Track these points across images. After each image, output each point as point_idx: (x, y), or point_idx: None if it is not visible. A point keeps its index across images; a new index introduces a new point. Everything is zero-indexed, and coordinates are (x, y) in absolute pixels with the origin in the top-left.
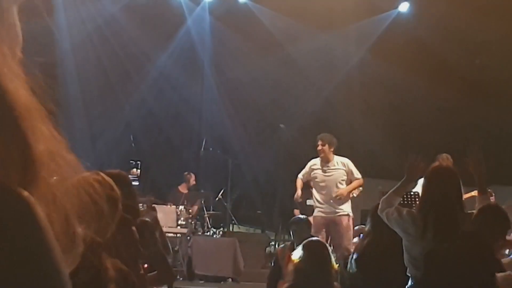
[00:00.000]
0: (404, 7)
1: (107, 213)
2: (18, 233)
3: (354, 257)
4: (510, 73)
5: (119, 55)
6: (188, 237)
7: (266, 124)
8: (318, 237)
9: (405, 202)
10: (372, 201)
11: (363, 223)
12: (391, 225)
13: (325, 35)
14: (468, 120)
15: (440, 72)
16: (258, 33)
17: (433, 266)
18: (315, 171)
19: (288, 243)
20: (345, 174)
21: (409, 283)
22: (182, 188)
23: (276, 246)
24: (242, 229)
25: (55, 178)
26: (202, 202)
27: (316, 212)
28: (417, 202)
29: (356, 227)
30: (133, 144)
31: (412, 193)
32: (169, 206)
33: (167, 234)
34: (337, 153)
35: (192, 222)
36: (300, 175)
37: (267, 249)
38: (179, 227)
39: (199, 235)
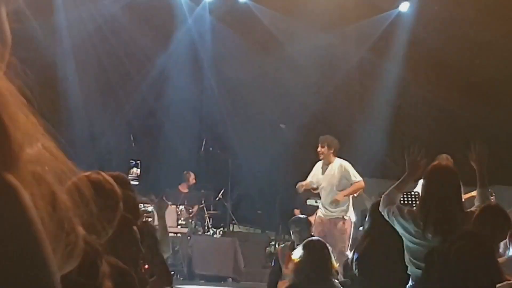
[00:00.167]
0: (404, 7)
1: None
2: (2, 220)
3: (355, 257)
4: (510, 73)
5: (119, 55)
6: (189, 237)
7: (267, 124)
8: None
9: (406, 201)
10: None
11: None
12: (392, 223)
13: (325, 34)
14: (468, 120)
15: (440, 72)
16: (258, 32)
17: (433, 266)
18: (316, 173)
19: (288, 243)
20: (343, 177)
21: (410, 282)
22: (182, 188)
23: (276, 246)
24: (242, 229)
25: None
26: (203, 202)
27: (318, 213)
28: (417, 202)
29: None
30: (133, 144)
31: (412, 193)
32: (169, 206)
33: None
34: (337, 153)
35: (193, 222)
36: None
37: (267, 249)
38: (179, 226)
39: (200, 235)
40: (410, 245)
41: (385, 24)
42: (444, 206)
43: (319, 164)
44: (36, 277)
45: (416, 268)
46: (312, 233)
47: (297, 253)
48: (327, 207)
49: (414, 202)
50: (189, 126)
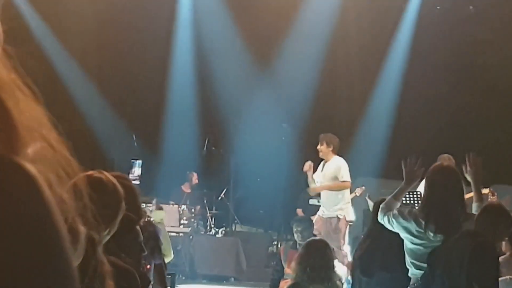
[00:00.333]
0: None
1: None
2: (22, 211)
3: (357, 257)
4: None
5: (121, 53)
6: (191, 237)
7: (269, 124)
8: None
9: (408, 201)
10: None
11: (365, 222)
12: (393, 228)
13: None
14: (470, 119)
15: (441, 71)
16: (260, 31)
17: (436, 265)
18: (317, 171)
19: (291, 242)
20: (335, 176)
21: (411, 282)
22: (185, 188)
23: (279, 245)
24: (245, 228)
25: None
26: (205, 201)
27: (319, 212)
28: (419, 201)
29: None
30: (135, 144)
31: (414, 192)
32: (171, 206)
33: (169, 233)
34: (340, 152)
35: (195, 222)
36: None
37: (270, 248)
38: (181, 226)
39: (202, 234)
40: (412, 246)
41: (387, 22)
42: (446, 205)
43: (322, 163)
44: (57, 270)
45: (417, 269)
46: (314, 233)
47: (299, 253)
48: (323, 205)
49: (416, 201)
50: (191, 126)
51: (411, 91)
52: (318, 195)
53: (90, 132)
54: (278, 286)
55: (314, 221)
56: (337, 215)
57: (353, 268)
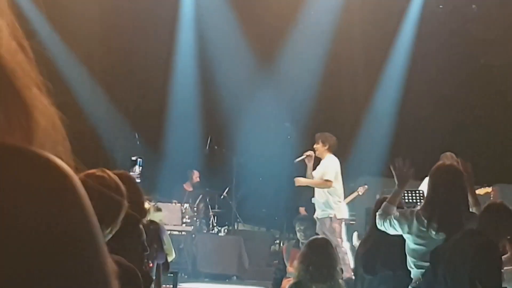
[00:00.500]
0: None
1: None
2: (57, 213)
3: (360, 255)
4: None
5: (124, 52)
6: (193, 235)
7: (272, 123)
8: None
9: (410, 200)
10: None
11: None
12: (395, 231)
13: (330, 32)
14: (472, 118)
15: (443, 70)
16: (263, 30)
17: (438, 264)
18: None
19: (293, 241)
20: (323, 174)
21: (413, 281)
22: (187, 186)
23: (281, 244)
24: (247, 227)
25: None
26: (207, 200)
27: None
28: (422, 201)
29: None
30: (138, 143)
31: (417, 191)
32: (174, 204)
33: (172, 232)
34: (343, 151)
35: (197, 220)
36: None
37: (272, 247)
38: (184, 225)
39: (204, 233)
40: (414, 246)
41: (390, 21)
42: (448, 204)
43: None
44: (95, 277)
45: (419, 269)
46: (317, 231)
47: (302, 251)
48: (316, 206)
49: (418, 200)
50: (194, 124)
51: (414, 90)
52: None
53: (93, 131)
54: (281, 284)
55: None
56: (328, 215)
57: (356, 266)
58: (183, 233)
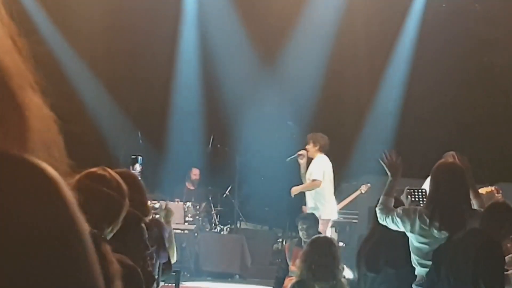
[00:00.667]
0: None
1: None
2: (41, 217)
3: (363, 254)
4: None
5: (127, 51)
6: (196, 234)
7: (274, 121)
8: None
9: (413, 199)
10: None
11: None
12: (398, 228)
13: (333, 31)
14: (475, 117)
15: (446, 70)
16: (266, 28)
17: (441, 263)
18: None
19: (296, 239)
20: (311, 174)
21: (417, 279)
22: (189, 185)
23: (284, 242)
24: (250, 225)
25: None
26: (210, 198)
27: None
28: (425, 199)
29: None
30: (140, 141)
31: (420, 190)
32: (176, 203)
33: (174, 230)
34: (345, 150)
35: (200, 219)
36: None
37: (275, 245)
38: (186, 223)
39: (207, 231)
40: (417, 244)
41: (394, 20)
42: (451, 202)
43: None
44: (80, 279)
45: (423, 267)
46: (319, 230)
47: (304, 250)
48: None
49: (421, 199)
50: (197, 123)
51: (417, 89)
52: None
53: (96, 129)
54: (283, 283)
55: None
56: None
57: (359, 264)
58: (186, 231)
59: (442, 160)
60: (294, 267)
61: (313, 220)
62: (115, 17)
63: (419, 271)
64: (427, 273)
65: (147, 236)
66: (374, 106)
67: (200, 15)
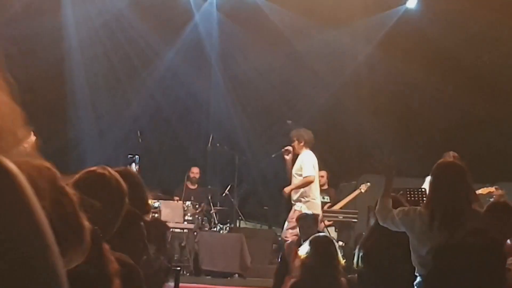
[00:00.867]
0: (412, 3)
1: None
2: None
3: (361, 254)
4: None
5: (126, 51)
6: (195, 233)
7: (274, 120)
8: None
9: (413, 198)
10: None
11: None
12: (398, 228)
13: (333, 31)
14: (476, 116)
15: (447, 69)
16: (266, 29)
17: (441, 263)
18: None
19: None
20: (299, 170)
21: (417, 280)
22: (189, 184)
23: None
24: (249, 225)
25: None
26: (209, 197)
27: None
28: (425, 199)
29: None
30: (140, 140)
31: (420, 189)
32: (176, 202)
33: (174, 229)
34: (345, 149)
35: (199, 218)
36: None
37: (274, 245)
38: (185, 222)
39: (206, 230)
40: (417, 244)
41: (392, 20)
42: (451, 202)
43: None
44: (38, 269)
45: (423, 267)
46: (319, 229)
47: (304, 249)
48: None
49: (421, 198)
50: (196, 122)
51: (416, 88)
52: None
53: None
54: (283, 283)
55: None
56: (294, 210)
57: (360, 262)
58: (185, 230)
59: (442, 159)
60: (294, 267)
61: (312, 219)
62: (114, 14)
63: (419, 271)
64: (428, 273)
65: (146, 235)
66: (373, 105)
67: (202, 12)
